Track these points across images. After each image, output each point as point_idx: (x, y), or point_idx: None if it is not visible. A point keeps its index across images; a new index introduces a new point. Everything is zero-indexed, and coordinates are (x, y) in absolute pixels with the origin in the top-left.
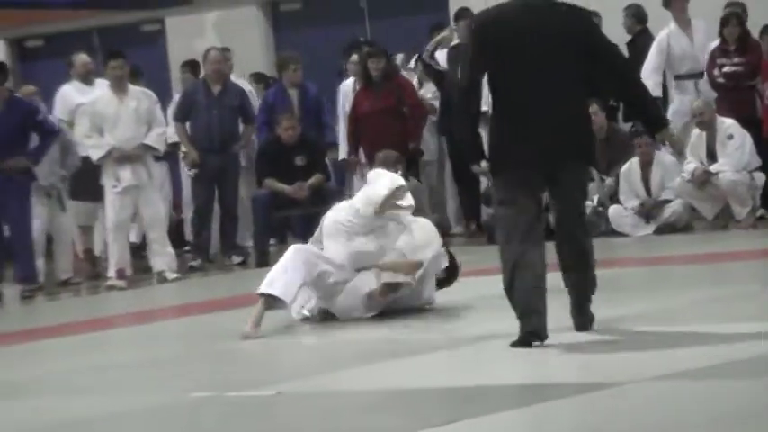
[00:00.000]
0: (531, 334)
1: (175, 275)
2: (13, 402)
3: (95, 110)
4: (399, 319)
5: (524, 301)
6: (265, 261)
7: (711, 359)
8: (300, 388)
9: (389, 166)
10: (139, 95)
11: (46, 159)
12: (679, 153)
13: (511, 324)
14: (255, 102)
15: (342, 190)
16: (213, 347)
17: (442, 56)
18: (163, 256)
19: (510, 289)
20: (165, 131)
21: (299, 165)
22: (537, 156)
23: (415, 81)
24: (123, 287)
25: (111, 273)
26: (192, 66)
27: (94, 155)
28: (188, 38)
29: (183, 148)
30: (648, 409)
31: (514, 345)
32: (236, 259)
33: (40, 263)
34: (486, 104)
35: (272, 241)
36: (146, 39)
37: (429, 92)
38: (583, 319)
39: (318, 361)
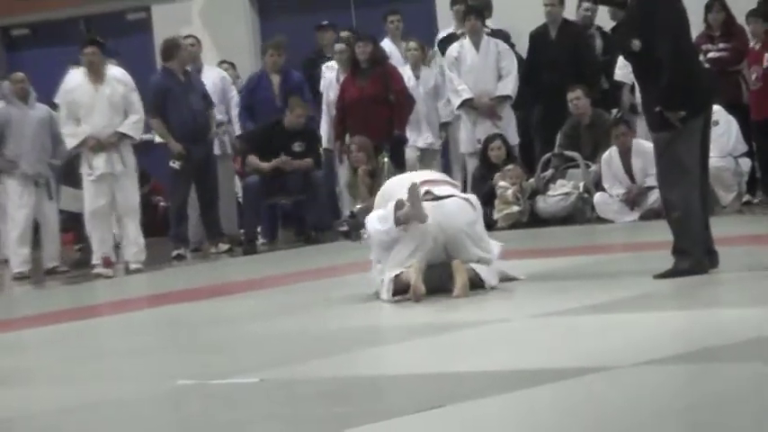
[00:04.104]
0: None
1: (138, 266)
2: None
3: (72, 98)
4: (394, 304)
5: (697, 232)
6: (253, 249)
7: (699, 344)
8: (285, 375)
9: (366, 151)
10: (114, 83)
11: (35, 147)
12: None
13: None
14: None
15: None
16: (198, 335)
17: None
18: (130, 246)
19: (687, 218)
20: (142, 118)
21: (297, 151)
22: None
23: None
24: (110, 275)
25: (96, 260)
26: None
27: (69, 143)
28: (174, 26)
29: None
30: (637, 394)
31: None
32: (223, 247)
33: (26, 251)
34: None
35: (263, 240)
36: (132, 27)
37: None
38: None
39: (304, 348)
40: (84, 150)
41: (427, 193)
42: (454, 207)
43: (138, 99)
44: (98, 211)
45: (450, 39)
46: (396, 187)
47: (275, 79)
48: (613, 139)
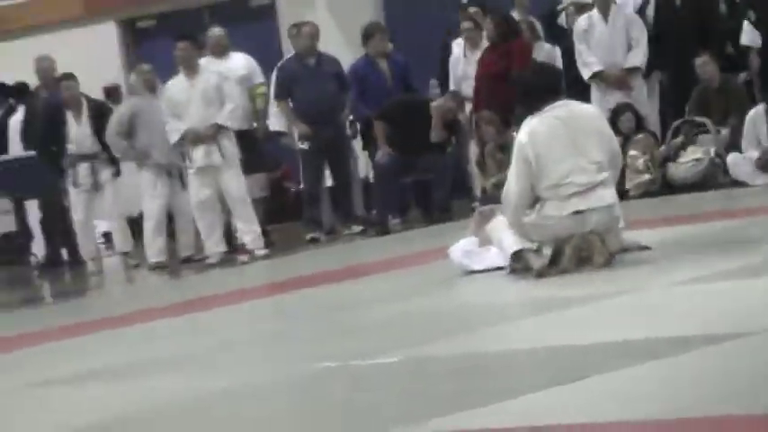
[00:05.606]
0: None
1: (263, 252)
2: (145, 380)
3: (169, 95)
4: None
5: None
6: (386, 229)
7: None
8: (422, 353)
9: (494, 125)
10: (207, 75)
11: (165, 137)
12: None
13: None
14: None
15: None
16: (337, 317)
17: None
18: (247, 234)
19: None
20: (238, 107)
21: (434, 141)
22: None
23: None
24: (245, 261)
25: (208, 251)
26: None
27: (171, 138)
28: (299, 11)
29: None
30: None
31: None
32: (356, 229)
33: (161, 241)
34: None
35: (396, 220)
36: (256, 14)
37: None
38: None
39: (439, 326)
40: (185, 144)
41: (576, 212)
42: (595, 220)
43: (234, 87)
44: (203, 203)
45: None
46: (546, 145)
47: (383, 64)
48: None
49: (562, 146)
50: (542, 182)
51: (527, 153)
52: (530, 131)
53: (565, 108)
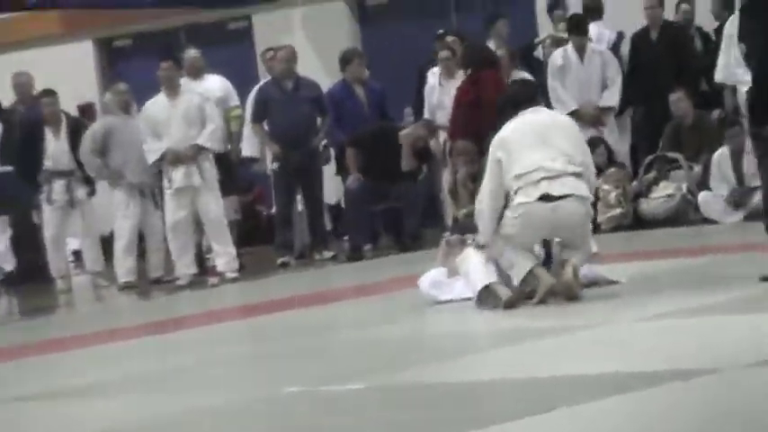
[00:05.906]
0: None
1: (234, 275)
2: (113, 400)
3: (148, 114)
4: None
5: None
6: (359, 255)
7: None
8: (390, 381)
9: (466, 154)
10: (189, 95)
11: (139, 157)
12: None
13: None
14: None
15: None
16: (305, 342)
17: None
18: (222, 257)
19: None
20: (219, 128)
21: (405, 169)
22: None
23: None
24: (215, 284)
25: (179, 272)
26: None
27: (150, 158)
28: (275, 35)
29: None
30: (751, 396)
31: None
32: (328, 254)
33: (131, 261)
34: None
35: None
36: (233, 36)
37: None
38: None
39: (407, 354)
40: (164, 164)
41: (543, 197)
42: (568, 210)
43: (213, 108)
44: (178, 224)
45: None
46: (515, 142)
47: (359, 90)
48: (727, 139)
49: (531, 140)
50: (512, 172)
51: (497, 155)
52: (500, 136)
53: (538, 111)
